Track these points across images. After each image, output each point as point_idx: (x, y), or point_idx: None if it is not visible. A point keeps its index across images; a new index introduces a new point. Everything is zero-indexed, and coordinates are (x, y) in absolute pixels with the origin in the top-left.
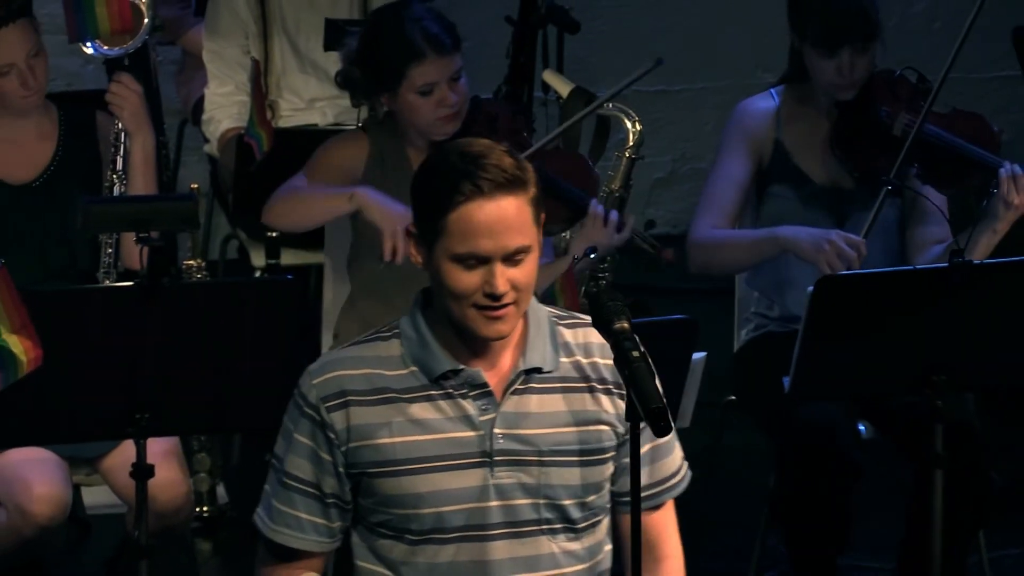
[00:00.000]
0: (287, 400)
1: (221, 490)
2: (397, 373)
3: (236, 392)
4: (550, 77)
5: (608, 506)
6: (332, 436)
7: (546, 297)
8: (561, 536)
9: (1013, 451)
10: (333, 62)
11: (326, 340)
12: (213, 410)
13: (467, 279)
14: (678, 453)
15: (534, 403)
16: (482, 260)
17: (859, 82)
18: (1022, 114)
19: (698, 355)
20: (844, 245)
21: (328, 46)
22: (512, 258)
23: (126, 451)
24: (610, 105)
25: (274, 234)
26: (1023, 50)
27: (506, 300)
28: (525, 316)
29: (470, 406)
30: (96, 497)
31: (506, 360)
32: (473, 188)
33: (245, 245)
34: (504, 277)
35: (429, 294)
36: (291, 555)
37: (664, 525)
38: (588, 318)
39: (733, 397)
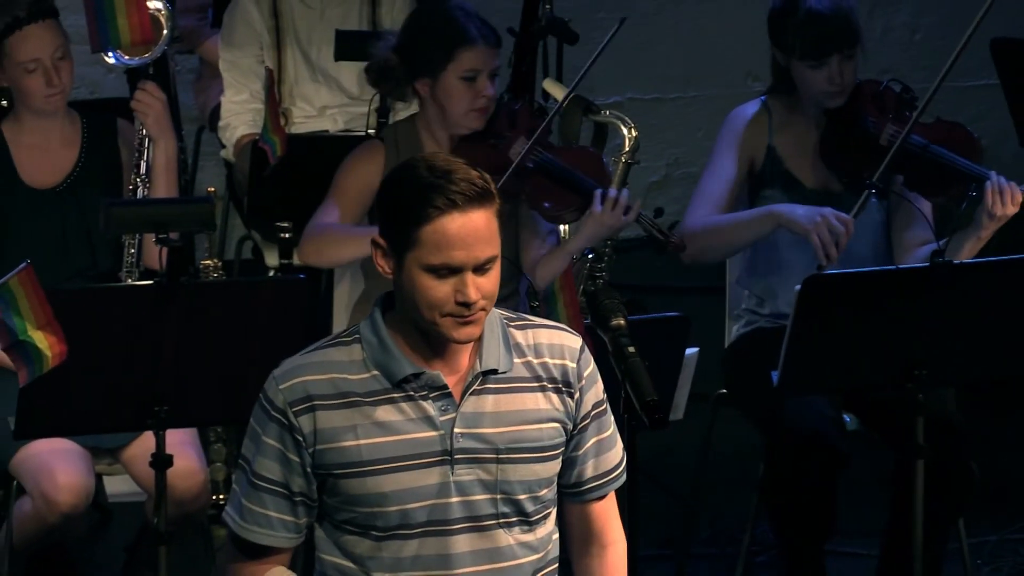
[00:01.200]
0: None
1: None
2: (360, 377)
3: (250, 385)
4: (549, 85)
5: (555, 497)
6: (300, 439)
7: (546, 296)
8: (516, 529)
9: (990, 442)
10: (343, 72)
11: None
12: (228, 402)
13: (439, 289)
14: (619, 447)
15: (490, 403)
16: (454, 270)
17: (848, 88)
18: (1000, 121)
19: (691, 350)
20: (835, 220)
21: (338, 56)
22: (482, 267)
23: (146, 442)
24: (607, 112)
25: (287, 235)
26: (1001, 60)
27: (477, 306)
28: None
29: (431, 407)
30: (117, 486)
31: (463, 362)
32: (447, 202)
33: (259, 246)
34: (475, 286)
35: (388, 299)
36: (261, 552)
37: (609, 514)
38: (537, 319)
39: (724, 390)
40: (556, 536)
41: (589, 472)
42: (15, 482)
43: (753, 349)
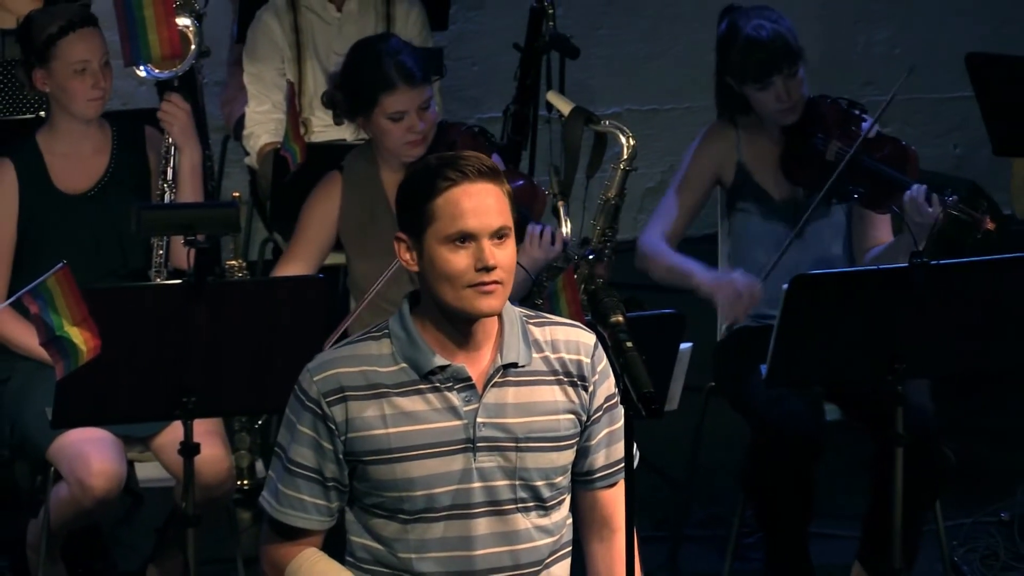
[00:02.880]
0: None
1: (259, 465)
2: (389, 369)
3: (273, 378)
4: (553, 97)
5: (569, 484)
6: (333, 427)
7: (550, 294)
8: (533, 513)
9: (964, 431)
10: None
11: (352, 331)
12: (252, 394)
13: (459, 259)
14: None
15: (511, 394)
16: (471, 237)
17: (799, 104)
18: (975, 132)
19: (685, 345)
20: (740, 286)
21: None
22: (496, 236)
23: (175, 431)
24: (606, 123)
25: None
26: (976, 73)
27: (495, 276)
28: (500, 316)
29: (455, 398)
30: (148, 472)
31: (486, 356)
32: (458, 174)
33: (281, 247)
34: (491, 252)
35: (415, 297)
36: (295, 533)
37: (618, 501)
38: (554, 317)
39: (713, 383)
40: (570, 521)
41: (600, 461)
42: (52, 468)
43: (740, 345)
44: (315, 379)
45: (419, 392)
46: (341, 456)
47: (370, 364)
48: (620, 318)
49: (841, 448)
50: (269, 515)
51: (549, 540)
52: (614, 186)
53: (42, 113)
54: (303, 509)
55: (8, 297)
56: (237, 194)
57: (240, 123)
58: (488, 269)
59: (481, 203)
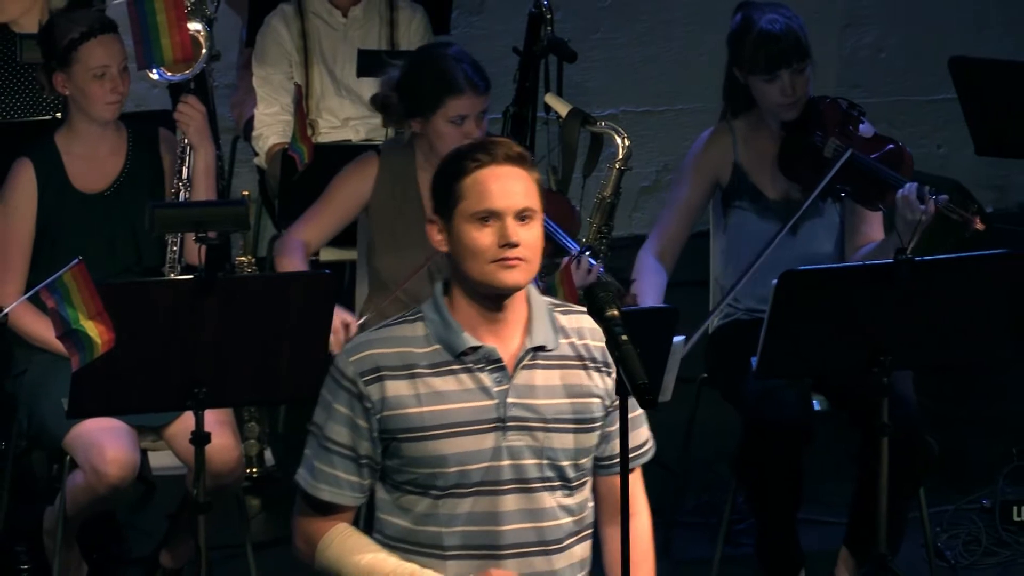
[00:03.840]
0: (325, 376)
1: (268, 454)
2: (423, 350)
3: (281, 369)
4: (551, 99)
5: (592, 468)
6: (368, 406)
7: (548, 289)
8: (559, 492)
9: (947, 421)
10: (365, 87)
11: (371, 322)
12: (261, 385)
13: (484, 236)
14: (646, 427)
15: (539, 377)
16: (495, 215)
17: (801, 101)
18: (957, 132)
19: (678, 338)
20: None
21: (360, 73)
22: (520, 216)
23: (186, 420)
24: (602, 124)
25: None
26: (958, 76)
27: (518, 253)
28: (528, 302)
29: (487, 379)
30: (160, 460)
31: (515, 339)
32: (486, 156)
33: None
34: (514, 229)
35: (447, 285)
36: (329, 509)
37: (636, 487)
38: (578, 307)
39: (706, 375)
40: (591, 504)
41: (619, 447)
42: (68, 457)
43: (731, 338)
44: (351, 359)
45: (452, 372)
46: (375, 435)
47: (405, 345)
48: (615, 312)
49: (828, 438)
50: (304, 490)
51: (571, 519)
52: (610, 185)
53: (59, 115)
54: (337, 485)
55: (26, 292)
56: (247, 193)
57: (249, 124)
58: (511, 245)
59: (507, 184)
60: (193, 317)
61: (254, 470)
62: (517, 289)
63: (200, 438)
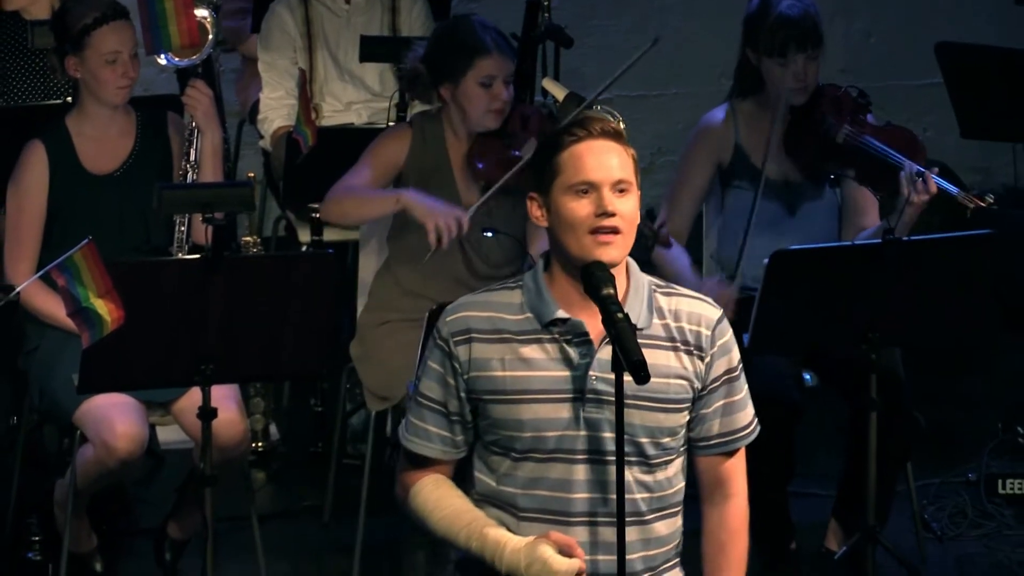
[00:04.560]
0: (329, 353)
1: (273, 428)
2: (515, 317)
3: (285, 346)
4: (549, 84)
5: (683, 448)
6: (457, 365)
7: None
8: (636, 468)
9: (934, 397)
10: (367, 72)
11: (361, 303)
12: (266, 361)
13: (581, 207)
14: (750, 410)
15: None
16: (592, 187)
17: (811, 86)
18: (944, 116)
19: None
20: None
21: (363, 58)
22: (617, 188)
23: (193, 396)
24: (599, 108)
25: (317, 215)
26: (945, 62)
27: (614, 223)
28: (628, 279)
29: (572, 350)
30: (168, 435)
31: None
32: (584, 131)
33: (293, 224)
34: (611, 199)
35: (548, 257)
36: (421, 461)
37: (735, 469)
38: (683, 289)
39: None
40: (680, 484)
41: (716, 429)
42: (78, 431)
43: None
44: (448, 319)
45: (539, 341)
46: (463, 394)
47: (498, 311)
48: (611, 291)
49: (819, 413)
50: (401, 443)
51: (648, 496)
52: None
53: (69, 99)
54: (427, 439)
55: (38, 270)
56: (252, 175)
57: (255, 108)
58: (608, 215)
59: (603, 157)
60: (200, 295)
61: (259, 444)
62: (612, 266)
63: (207, 413)
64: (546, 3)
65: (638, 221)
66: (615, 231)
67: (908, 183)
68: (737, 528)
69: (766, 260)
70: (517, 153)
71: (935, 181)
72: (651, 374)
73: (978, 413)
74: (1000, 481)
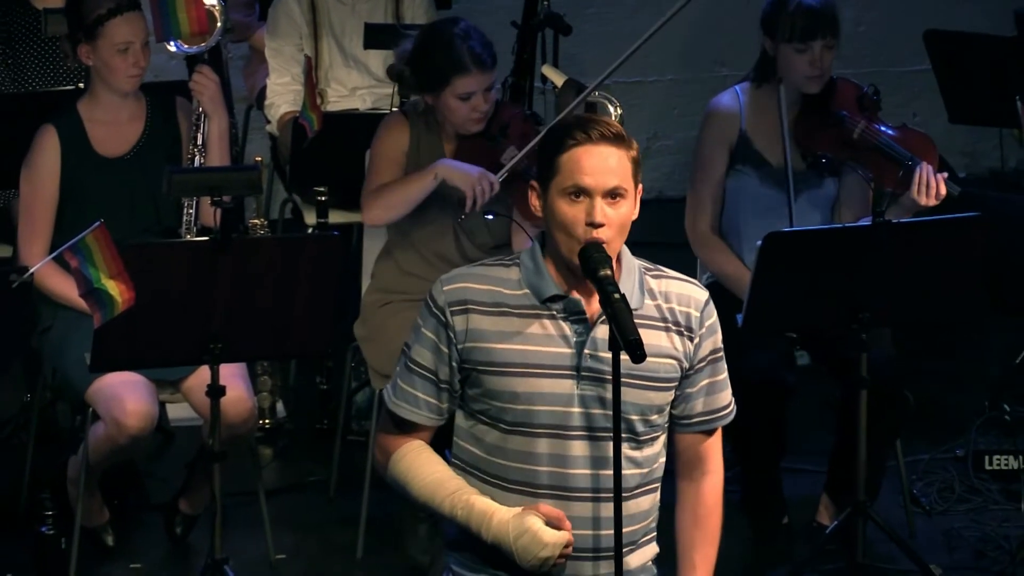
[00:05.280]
0: (335, 332)
1: (280, 406)
2: (513, 292)
3: (292, 326)
4: (548, 71)
5: (666, 425)
6: (452, 335)
7: None
8: (626, 444)
9: (923, 375)
10: (372, 58)
11: (365, 283)
12: (273, 341)
13: (572, 211)
14: (728, 391)
15: None
16: (585, 193)
17: (825, 76)
18: (932, 101)
19: None
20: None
21: (367, 45)
22: (610, 195)
23: (202, 374)
24: (598, 93)
25: (323, 198)
26: (933, 48)
27: (601, 234)
28: (620, 262)
29: (568, 328)
30: (178, 412)
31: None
32: (584, 135)
33: (299, 207)
34: (602, 209)
35: (544, 237)
36: (406, 426)
37: (713, 447)
38: (671, 272)
39: None
40: (662, 459)
41: (698, 408)
42: (90, 409)
43: (718, 295)
44: (444, 289)
45: (536, 317)
46: (455, 364)
47: (497, 285)
48: (608, 272)
49: (811, 391)
50: (385, 405)
51: (637, 471)
52: None
53: (81, 84)
54: (415, 404)
55: (51, 252)
56: (259, 159)
57: (262, 94)
58: (596, 225)
59: (600, 163)
60: (209, 276)
61: (266, 421)
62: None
63: (215, 391)
64: None
65: (633, 219)
66: (601, 238)
67: (920, 185)
68: (714, 504)
69: (759, 242)
70: (498, 158)
71: (947, 185)
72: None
73: (966, 391)
74: (987, 457)
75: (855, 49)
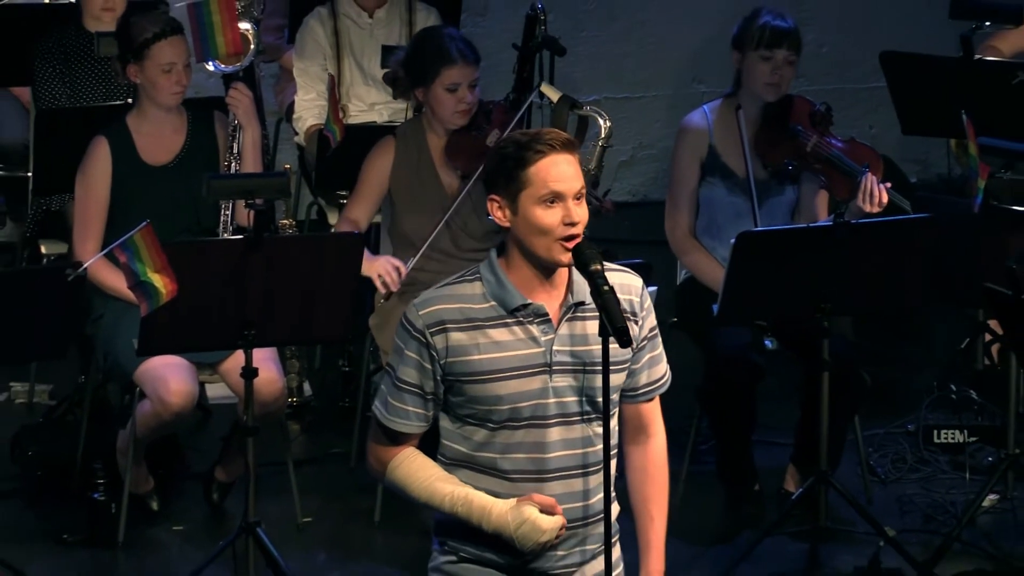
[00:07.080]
0: (356, 320)
1: (307, 386)
2: (481, 306)
3: (317, 315)
4: (546, 88)
5: (619, 399)
6: (434, 353)
7: None
8: (595, 423)
9: (879, 358)
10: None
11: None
12: (301, 328)
13: (550, 216)
14: (665, 362)
15: (579, 327)
16: (559, 197)
17: (784, 87)
18: (887, 114)
19: (651, 288)
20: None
21: (384, 65)
22: (576, 196)
23: (238, 358)
24: (588, 108)
25: (344, 201)
26: (888, 68)
27: (576, 231)
28: (571, 264)
29: (535, 330)
30: (216, 391)
31: (559, 296)
32: (546, 146)
33: (323, 209)
34: (575, 210)
35: (502, 248)
36: (399, 437)
37: (655, 412)
38: (609, 264)
39: (675, 319)
40: (619, 428)
41: (643, 380)
42: (138, 389)
43: (696, 288)
44: (420, 313)
45: (506, 325)
46: (438, 377)
47: (465, 302)
48: (598, 266)
49: (779, 372)
50: (379, 421)
51: (602, 445)
52: (594, 160)
53: (130, 100)
54: (407, 417)
55: (102, 249)
56: (288, 166)
57: (290, 109)
58: (573, 224)
59: (566, 169)
60: (243, 271)
61: (294, 399)
62: (570, 264)
63: (249, 372)
64: (542, 17)
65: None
66: (575, 236)
67: (864, 194)
68: (661, 462)
69: (732, 240)
70: (485, 143)
71: (889, 194)
72: (601, 342)
73: (917, 373)
74: (935, 432)
75: (819, 68)
